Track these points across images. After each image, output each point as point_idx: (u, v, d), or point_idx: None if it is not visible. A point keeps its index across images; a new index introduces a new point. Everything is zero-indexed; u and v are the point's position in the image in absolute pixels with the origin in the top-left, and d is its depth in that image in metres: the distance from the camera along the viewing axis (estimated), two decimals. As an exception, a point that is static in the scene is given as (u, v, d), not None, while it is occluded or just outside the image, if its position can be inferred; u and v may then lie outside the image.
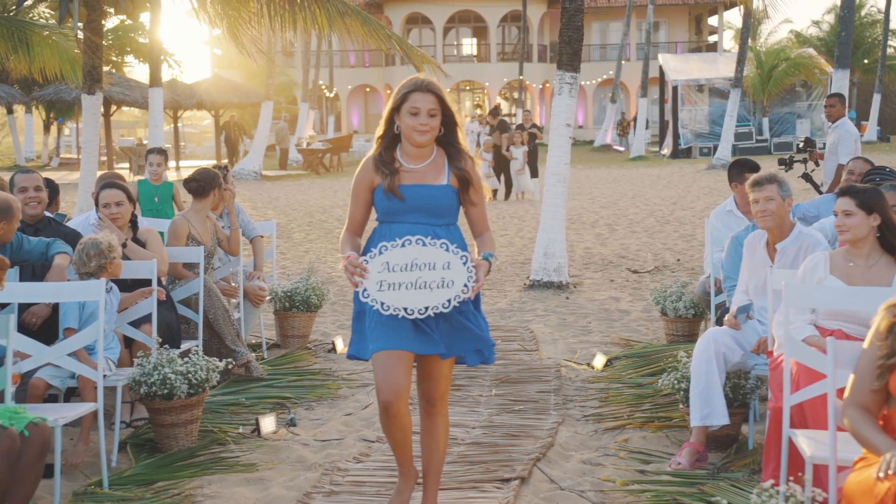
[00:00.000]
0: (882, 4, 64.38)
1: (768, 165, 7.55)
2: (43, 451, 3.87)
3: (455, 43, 52.94)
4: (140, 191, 8.81)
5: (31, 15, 32.43)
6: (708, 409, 4.80)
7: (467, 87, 52.16)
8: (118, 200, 5.90)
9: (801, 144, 11.15)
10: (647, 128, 37.21)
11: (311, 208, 19.61)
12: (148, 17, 22.77)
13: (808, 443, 3.84)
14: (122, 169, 30.58)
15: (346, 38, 14.30)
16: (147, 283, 5.58)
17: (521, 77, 41.63)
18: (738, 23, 38.55)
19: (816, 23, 51.50)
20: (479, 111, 39.73)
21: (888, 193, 4.90)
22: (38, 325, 5.19)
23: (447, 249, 3.68)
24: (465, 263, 3.69)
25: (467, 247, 3.80)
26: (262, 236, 7.71)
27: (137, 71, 40.52)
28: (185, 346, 5.98)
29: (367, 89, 52.33)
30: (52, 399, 5.10)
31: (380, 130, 3.90)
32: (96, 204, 6.06)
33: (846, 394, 3.35)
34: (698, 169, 28.58)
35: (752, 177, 5.18)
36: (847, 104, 13.58)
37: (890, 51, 45.57)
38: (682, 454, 4.80)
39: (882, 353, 3.23)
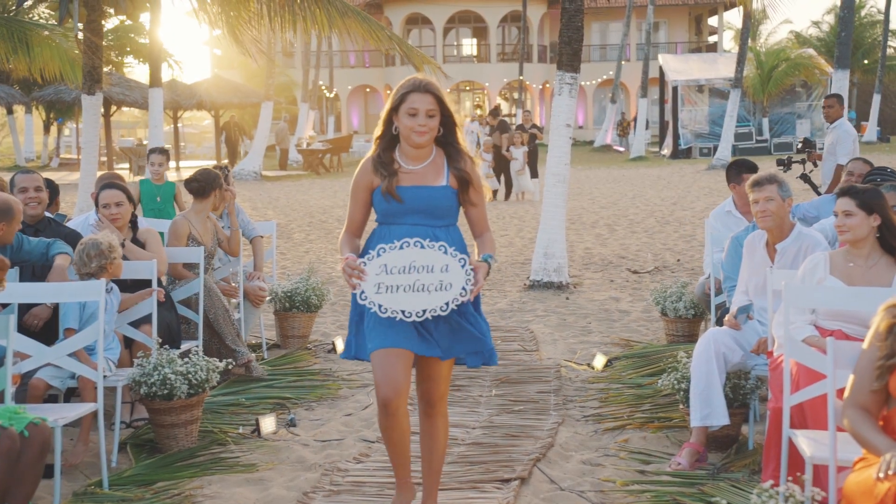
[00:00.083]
0: (882, 4, 64.53)
1: (768, 166, 7.56)
2: (43, 452, 3.87)
3: (455, 43, 52.90)
4: (142, 191, 8.80)
5: (31, 15, 32.43)
6: (708, 409, 4.80)
7: (467, 88, 52.14)
8: (118, 201, 5.90)
9: (800, 145, 11.15)
10: (647, 128, 37.19)
11: (311, 209, 19.61)
12: (148, 18, 22.80)
13: (807, 443, 3.84)
14: (122, 169, 30.56)
15: (346, 38, 14.29)
16: (147, 283, 5.59)
17: (521, 77, 41.62)
18: (738, 23, 38.54)
19: (816, 23, 51.51)
20: (479, 111, 39.68)
21: (888, 194, 4.91)
22: (40, 326, 5.19)
23: (445, 252, 3.67)
24: (463, 266, 3.67)
25: (467, 248, 3.79)
26: (262, 237, 7.71)
27: (137, 71, 40.61)
28: (185, 346, 5.98)
29: (367, 90, 52.32)
30: (52, 399, 5.10)
31: (378, 131, 3.87)
32: (96, 204, 6.06)
33: (846, 394, 3.35)
34: (698, 169, 28.57)
35: (752, 177, 5.18)
36: (846, 105, 13.57)
37: (890, 51, 45.56)
38: (682, 454, 4.80)
39: (882, 353, 3.23)
